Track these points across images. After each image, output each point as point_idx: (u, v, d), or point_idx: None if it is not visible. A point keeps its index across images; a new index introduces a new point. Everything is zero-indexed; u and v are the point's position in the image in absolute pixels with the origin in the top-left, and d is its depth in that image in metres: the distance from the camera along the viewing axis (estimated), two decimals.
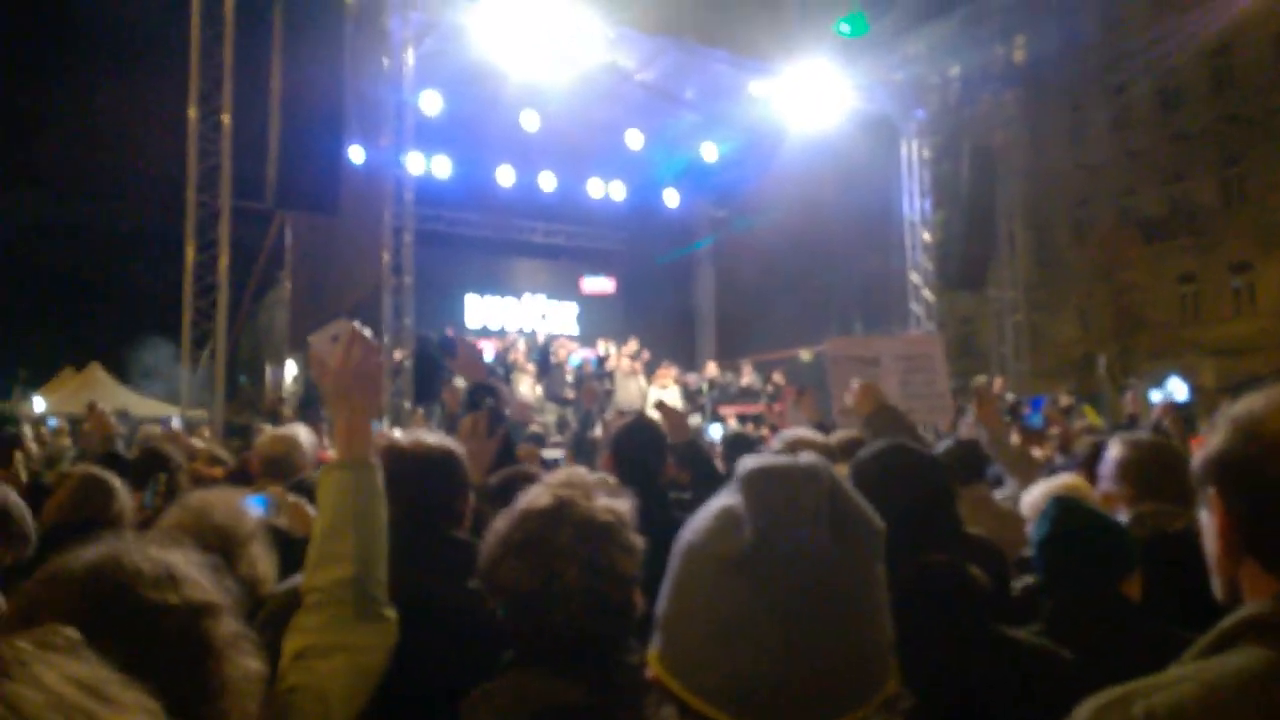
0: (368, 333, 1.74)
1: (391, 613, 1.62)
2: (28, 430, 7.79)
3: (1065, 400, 15.80)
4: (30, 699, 0.69)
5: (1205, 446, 1.20)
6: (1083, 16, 28.91)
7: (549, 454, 5.43)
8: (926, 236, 18.05)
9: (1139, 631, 2.10)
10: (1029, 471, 4.22)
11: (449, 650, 1.89)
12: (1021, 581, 2.92)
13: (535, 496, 1.60)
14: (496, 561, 1.56)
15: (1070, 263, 29.88)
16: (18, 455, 4.08)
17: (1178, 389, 26.94)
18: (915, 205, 17.95)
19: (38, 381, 17.67)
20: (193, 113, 11.90)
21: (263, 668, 1.28)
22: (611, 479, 2.69)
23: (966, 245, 18.10)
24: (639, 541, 1.58)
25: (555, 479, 1.66)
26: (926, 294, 18.03)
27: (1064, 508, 2.39)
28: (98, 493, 3.20)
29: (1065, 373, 26.03)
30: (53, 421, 13.01)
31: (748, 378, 16.96)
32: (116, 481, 3.28)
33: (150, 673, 1.08)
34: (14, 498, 2.95)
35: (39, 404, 14.38)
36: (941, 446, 4.61)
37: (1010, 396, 14.80)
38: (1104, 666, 1.78)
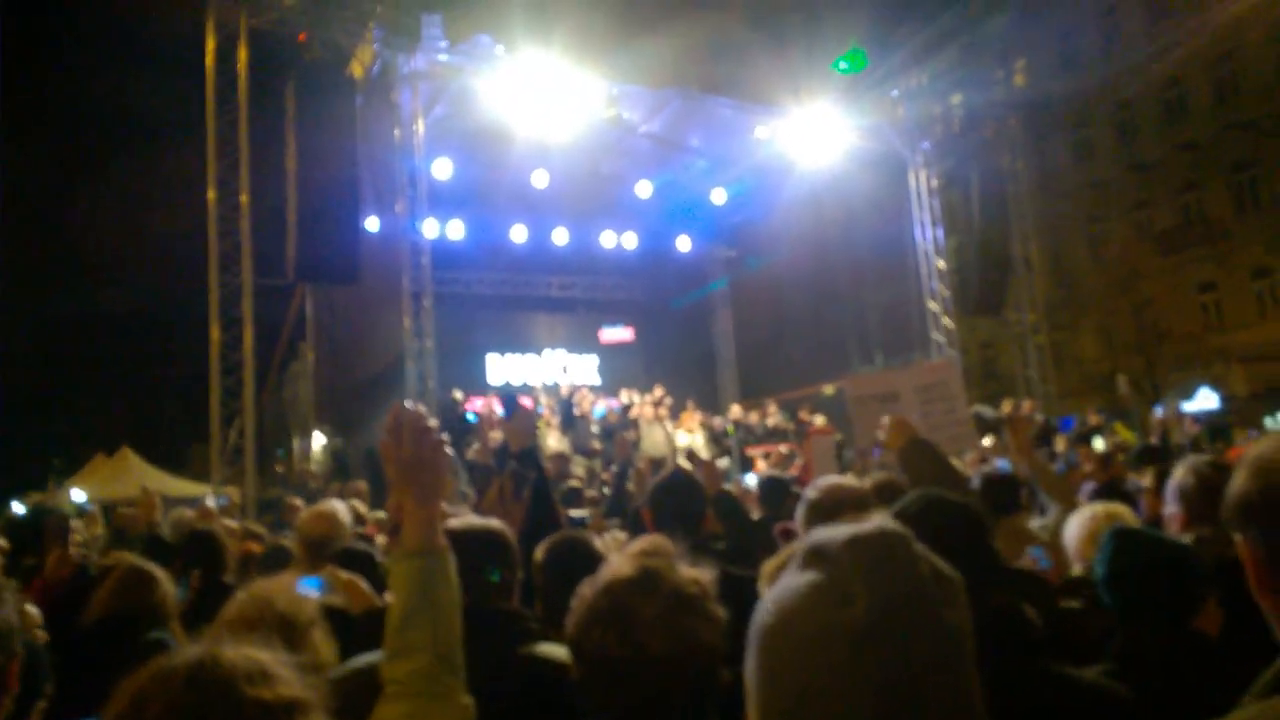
0: (431, 419, 1.75)
1: (468, 699, 1.62)
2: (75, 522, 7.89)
3: (1095, 419, 15.66)
4: None
5: (1229, 489, 1.21)
6: (1081, 35, 29.15)
7: (575, 513, 5.39)
8: (941, 264, 18.06)
9: (1216, 668, 2.00)
10: (1070, 497, 4.20)
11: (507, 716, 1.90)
12: (1068, 604, 2.92)
13: (620, 565, 1.61)
14: (584, 629, 1.57)
15: (1088, 280, 29.76)
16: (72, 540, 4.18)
17: (1207, 399, 26.64)
18: (927, 234, 18.00)
19: (71, 469, 17.91)
20: (212, 194, 12.18)
21: None
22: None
23: (982, 271, 18.13)
24: (722, 612, 1.58)
25: (638, 547, 1.67)
26: (946, 321, 18.00)
27: (1126, 540, 2.30)
28: (139, 584, 3.23)
29: (1091, 391, 25.79)
30: (86, 507, 13.17)
31: (774, 417, 16.91)
32: (158, 571, 3.32)
33: None
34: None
35: (76, 494, 14.57)
36: (976, 479, 4.60)
37: (1040, 418, 14.68)
38: (1179, 704, 1.76)
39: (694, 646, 1.51)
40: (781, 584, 0.96)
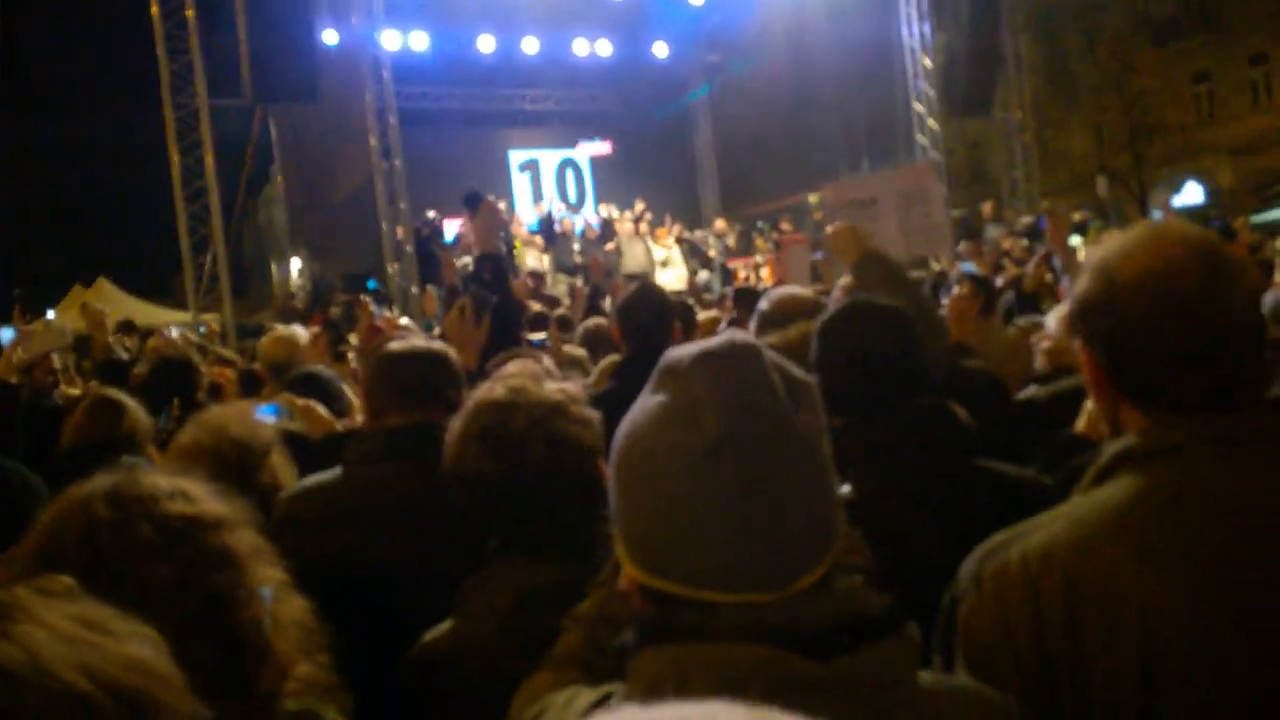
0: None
1: None
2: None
3: (1078, 216, 15.57)
4: (36, 636, 0.76)
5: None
6: None
7: (534, 336, 5.43)
8: (928, 62, 17.38)
9: None
10: None
11: (447, 533, 1.96)
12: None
13: (488, 389, 1.65)
14: (459, 455, 1.61)
15: (1080, 74, 28.78)
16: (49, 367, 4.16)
17: (1194, 193, 26.54)
18: (914, 30, 17.21)
19: (41, 302, 17.78)
20: (155, 10, 11.47)
21: (284, 576, 1.34)
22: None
23: (970, 68, 17.46)
24: (594, 415, 1.63)
25: (505, 372, 1.71)
26: (931, 123, 17.52)
27: None
28: (109, 413, 3.22)
29: (1079, 189, 25.54)
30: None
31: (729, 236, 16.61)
32: (128, 400, 3.31)
33: (184, 584, 1.17)
34: None
35: (50, 315, 14.54)
36: (953, 288, 4.64)
37: (1027, 219, 14.59)
38: None
39: (566, 450, 1.55)
40: (636, 405, 0.96)
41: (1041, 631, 1.07)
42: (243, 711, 1.14)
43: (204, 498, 1.29)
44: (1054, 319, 3.46)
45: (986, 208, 14.87)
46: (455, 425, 1.64)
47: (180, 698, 0.84)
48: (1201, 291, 1.11)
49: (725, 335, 0.95)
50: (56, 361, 6.13)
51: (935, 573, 1.30)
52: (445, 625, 1.59)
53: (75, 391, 4.97)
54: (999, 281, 6.60)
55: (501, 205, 16.43)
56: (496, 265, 3.41)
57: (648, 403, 0.94)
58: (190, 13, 11.47)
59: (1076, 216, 15.58)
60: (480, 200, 3.23)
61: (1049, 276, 4.73)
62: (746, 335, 0.96)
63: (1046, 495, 1.81)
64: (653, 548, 0.91)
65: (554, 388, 1.63)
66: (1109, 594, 1.05)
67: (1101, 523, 1.09)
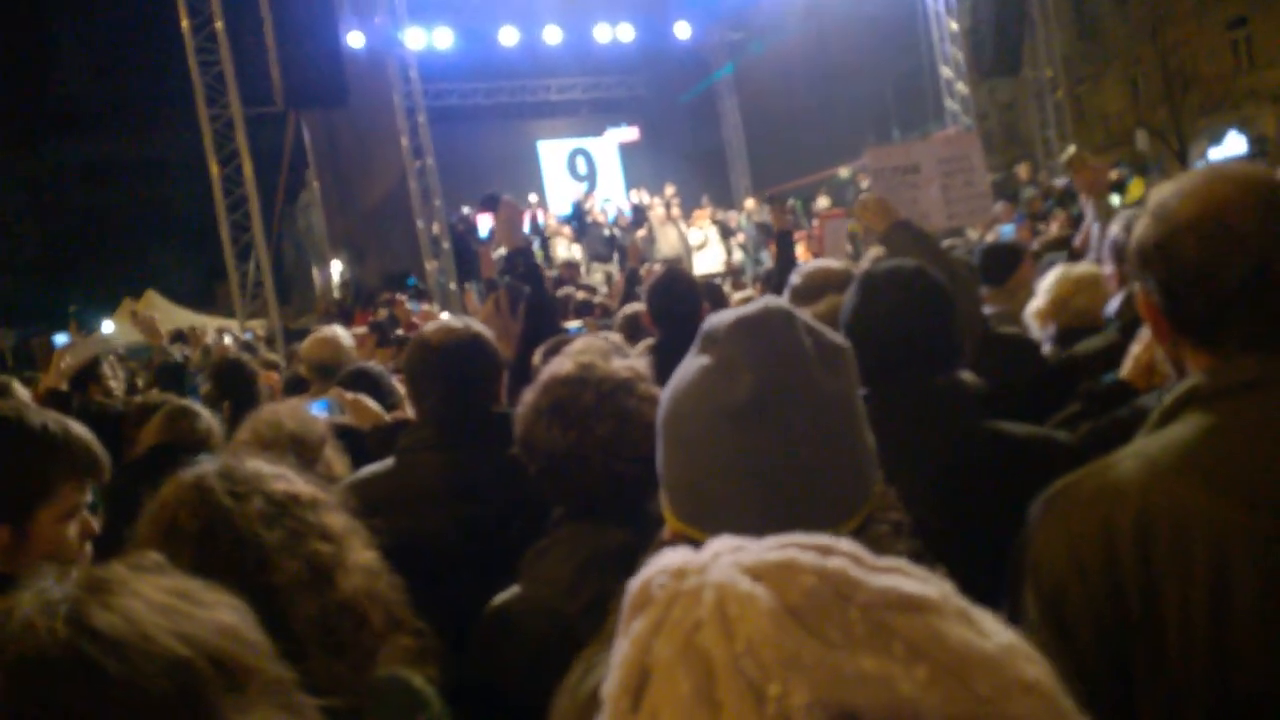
0: None
1: None
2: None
3: (1114, 175, 15.25)
4: (135, 607, 0.86)
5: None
6: None
7: (572, 324, 5.46)
8: (953, 25, 17.11)
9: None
10: None
11: (502, 512, 2.04)
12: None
13: (558, 365, 1.71)
14: (531, 427, 1.67)
15: (1111, 27, 28.15)
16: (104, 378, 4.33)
17: (1236, 143, 25.79)
18: None
19: (95, 316, 18.22)
20: (185, 24, 11.68)
21: (376, 555, 1.43)
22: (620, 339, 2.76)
23: (998, 27, 17.15)
24: (659, 391, 1.66)
25: (574, 348, 1.77)
26: (960, 87, 17.26)
27: None
28: (185, 417, 3.36)
29: (1116, 146, 25.02)
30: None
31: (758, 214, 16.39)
32: (199, 406, 3.44)
33: (292, 550, 1.28)
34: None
35: (107, 328, 14.93)
36: (978, 251, 4.62)
37: (1060, 182, 14.34)
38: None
39: (633, 424, 1.59)
40: (680, 367, 1.00)
41: (1114, 566, 1.08)
42: (339, 671, 1.23)
43: (301, 481, 1.41)
44: (1044, 285, 3.29)
45: (1022, 170, 14.66)
46: (528, 398, 1.70)
47: (266, 661, 0.93)
48: (1259, 227, 1.10)
49: (761, 300, 1.00)
50: (109, 376, 6.35)
51: (934, 536, 1.34)
52: (513, 590, 1.66)
53: (136, 401, 5.14)
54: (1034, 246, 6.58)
55: (533, 198, 16.56)
56: (527, 259, 3.45)
57: (690, 365, 0.99)
58: (219, 24, 11.66)
59: (1113, 175, 15.26)
60: (498, 201, 3.28)
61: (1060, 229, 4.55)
62: (781, 301, 1.00)
63: (1058, 449, 1.84)
64: (693, 501, 0.96)
65: (622, 364, 1.69)
66: (1181, 528, 1.06)
67: (1172, 459, 1.10)
